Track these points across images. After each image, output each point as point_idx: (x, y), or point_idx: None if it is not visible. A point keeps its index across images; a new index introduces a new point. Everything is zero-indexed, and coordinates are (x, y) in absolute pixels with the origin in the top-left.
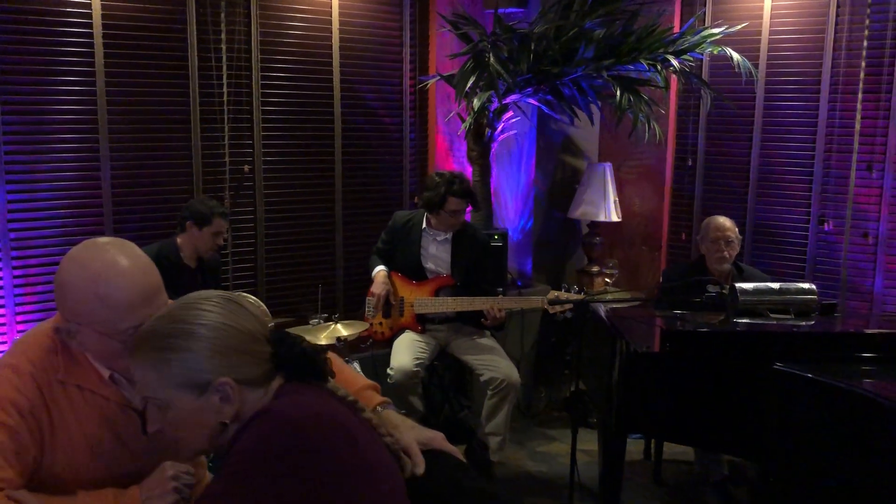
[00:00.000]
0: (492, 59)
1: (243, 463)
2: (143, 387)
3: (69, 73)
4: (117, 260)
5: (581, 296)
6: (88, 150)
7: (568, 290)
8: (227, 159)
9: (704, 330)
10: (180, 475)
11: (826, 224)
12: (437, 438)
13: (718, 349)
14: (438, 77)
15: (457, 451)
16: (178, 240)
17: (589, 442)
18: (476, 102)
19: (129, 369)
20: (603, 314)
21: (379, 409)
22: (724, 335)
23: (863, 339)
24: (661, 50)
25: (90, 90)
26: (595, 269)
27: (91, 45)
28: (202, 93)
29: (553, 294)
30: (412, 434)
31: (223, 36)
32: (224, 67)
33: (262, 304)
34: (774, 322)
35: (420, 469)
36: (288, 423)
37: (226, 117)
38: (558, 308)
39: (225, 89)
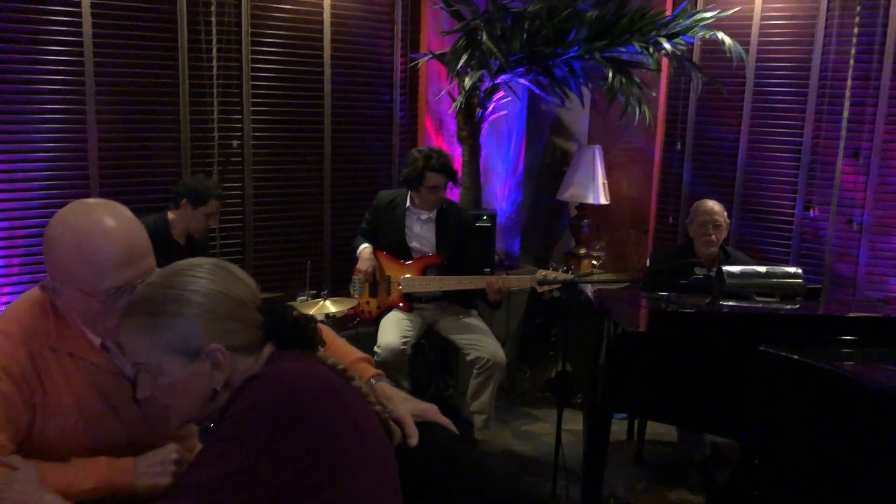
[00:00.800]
0: (484, 37)
1: (239, 425)
2: (133, 353)
3: (56, 44)
4: (103, 219)
5: (570, 275)
6: (75, 122)
7: (556, 270)
8: (216, 134)
9: (691, 311)
10: (183, 461)
11: (812, 210)
12: (431, 410)
13: (705, 330)
14: (430, 55)
15: (450, 423)
16: (170, 215)
17: (572, 422)
18: (467, 81)
19: (113, 332)
20: (590, 295)
21: (372, 381)
22: (710, 316)
23: (846, 323)
24: (654, 33)
25: (78, 61)
26: (582, 251)
27: (79, 16)
28: (191, 66)
29: (542, 273)
30: (406, 406)
31: (213, 9)
32: (214, 42)
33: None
34: (760, 305)
35: (414, 440)
36: (280, 385)
37: (215, 91)
38: (546, 288)
39: (214, 63)
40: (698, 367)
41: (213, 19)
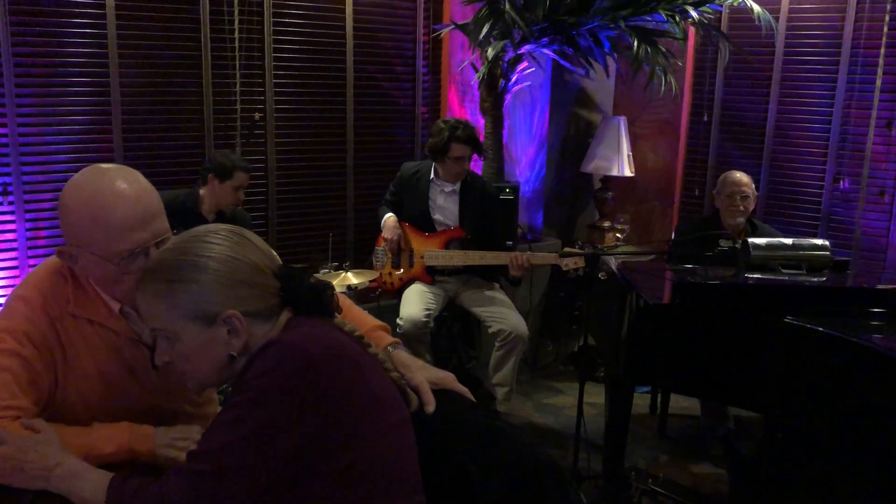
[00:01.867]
0: (507, 6)
1: (255, 389)
2: (151, 318)
3: (79, 16)
4: (115, 182)
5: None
6: (99, 95)
7: (582, 248)
8: (238, 106)
9: (715, 283)
10: None
11: (842, 182)
12: (448, 378)
13: (729, 302)
14: (453, 26)
15: (467, 391)
16: (201, 191)
17: (594, 395)
18: (490, 52)
19: (128, 296)
20: (614, 268)
21: (389, 349)
22: (734, 288)
23: (873, 295)
24: (680, 1)
25: (101, 34)
26: (606, 224)
27: None
28: (213, 38)
29: (566, 250)
30: (423, 374)
31: None
32: (236, 13)
33: None
34: (786, 277)
35: (431, 407)
36: (298, 351)
37: (237, 63)
38: (571, 265)
39: (237, 35)
40: (722, 340)
41: None
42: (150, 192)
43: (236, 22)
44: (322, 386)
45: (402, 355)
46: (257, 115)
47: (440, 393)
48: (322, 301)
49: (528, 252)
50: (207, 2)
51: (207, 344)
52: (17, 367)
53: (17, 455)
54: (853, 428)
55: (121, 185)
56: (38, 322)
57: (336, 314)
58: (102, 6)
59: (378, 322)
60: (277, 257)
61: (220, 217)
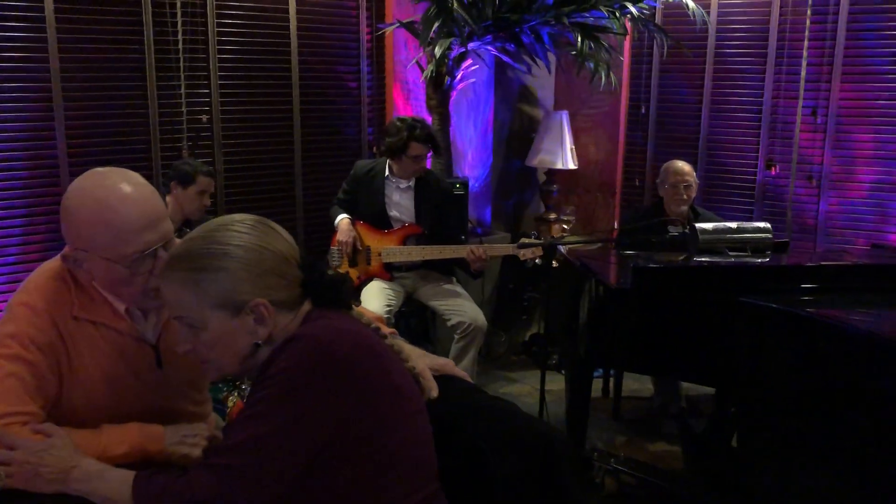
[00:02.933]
0: (455, 4)
1: (280, 384)
2: (177, 306)
3: (17, 20)
4: (121, 186)
5: (550, 241)
6: (41, 101)
7: (537, 237)
8: (184, 109)
9: (674, 266)
10: (215, 440)
11: (773, 168)
12: (448, 365)
13: (686, 284)
14: (398, 24)
15: (466, 375)
16: (166, 199)
17: (549, 383)
18: (437, 50)
19: (136, 298)
20: (567, 256)
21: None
22: (692, 270)
23: (819, 272)
24: None
25: (41, 37)
26: (552, 215)
27: None
28: (157, 41)
29: (523, 241)
30: (424, 360)
31: None
32: (179, 14)
33: None
34: (733, 259)
35: (434, 393)
36: (321, 344)
37: (182, 66)
38: (529, 255)
39: (180, 37)
40: (679, 320)
41: None
42: (154, 194)
43: (179, 24)
44: (346, 378)
45: (402, 344)
46: (205, 118)
47: (442, 378)
48: (341, 293)
49: (485, 245)
50: (150, 4)
51: (233, 332)
52: (23, 373)
53: (32, 460)
54: (808, 399)
55: (125, 187)
56: (42, 326)
57: (353, 307)
58: (41, 9)
59: (374, 314)
60: (298, 248)
61: (188, 224)
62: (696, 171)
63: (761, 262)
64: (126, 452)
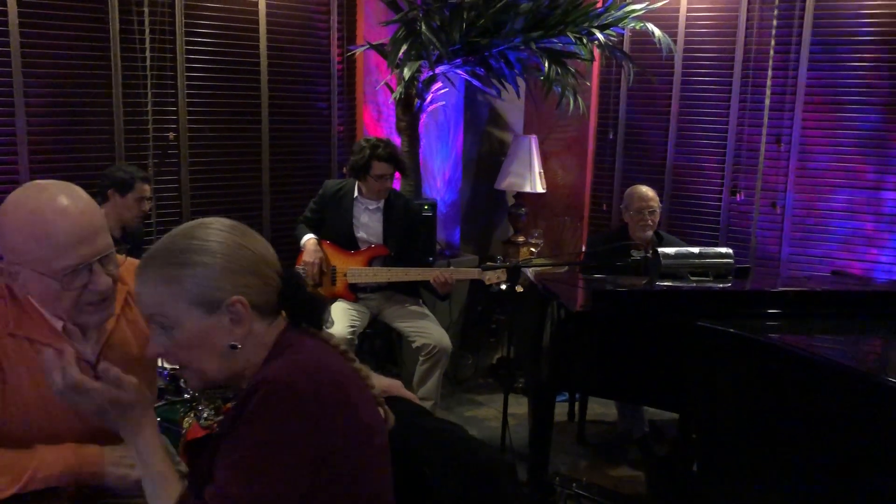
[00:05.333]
0: (423, 27)
1: (257, 435)
2: (150, 304)
3: None
4: (56, 199)
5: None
6: (2, 115)
7: (504, 261)
8: (150, 126)
9: (633, 290)
10: None
11: (738, 195)
12: (395, 385)
13: (646, 308)
14: (368, 46)
15: (414, 397)
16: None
17: (514, 406)
18: (406, 72)
19: (71, 313)
20: (533, 279)
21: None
22: (651, 294)
23: (778, 297)
24: (587, 24)
25: (3, 51)
26: (521, 239)
27: (3, 3)
28: (124, 56)
29: (488, 265)
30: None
31: None
32: (147, 31)
33: None
34: (694, 284)
35: (392, 422)
36: (291, 390)
37: (149, 83)
38: (494, 279)
39: (148, 54)
40: (640, 344)
41: (146, 8)
42: (92, 208)
43: (147, 39)
44: (318, 424)
45: (367, 370)
46: (172, 136)
47: (389, 400)
48: (315, 312)
49: (451, 268)
50: (117, 18)
51: (208, 332)
52: None
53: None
54: (766, 424)
55: (62, 200)
56: None
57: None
58: (5, 23)
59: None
60: (276, 256)
61: (124, 233)
62: (661, 197)
63: (721, 287)
64: (60, 474)
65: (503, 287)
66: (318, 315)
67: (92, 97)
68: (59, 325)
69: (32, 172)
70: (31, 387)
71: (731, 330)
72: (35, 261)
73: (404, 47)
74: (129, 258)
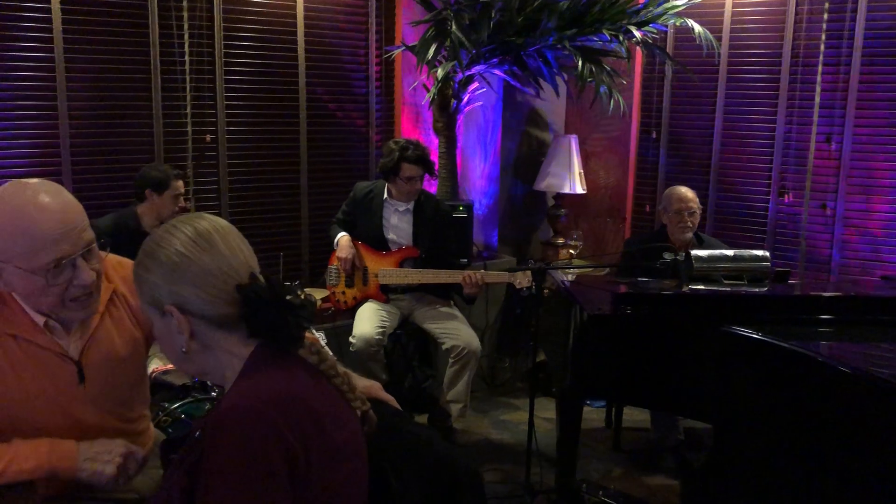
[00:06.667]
0: (454, 26)
1: (222, 468)
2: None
3: (26, 40)
4: (37, 196)
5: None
6: (47, 119)
7: (537, 263)
8: (189, 129)
9: (653, 293)
10: (131, 457)
11: (786, 196)
12: (374, 387)
13: (668, 312)
14: (403, 47)
15: (392, 400)
16: (138, 209)
17: (551, 411)
18: (440, 72)
19: (55, 309)
20: (563, 283)
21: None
22: (672, 298)
23: (810, 302)
24: (624, 21)
25: (48, 57)
26: (560, 240)
27: (48, 11)
28: (163, 60)
29: (520, 273)
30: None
31: (185, 3)
32: (186, 35)
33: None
34: (728, 288)
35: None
36: (253, 414)
37: (188, 86)
38: (525, 282)
39: (187, 57)
40: (664, 350)
41: (185, 13)
42: (73, 205)
43: (186, 43)
44: (284, 442)
45: (352, 379)
46: (209, 137)
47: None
48: (282, 331)
49: (482, 270)
50: (157, 23)
51: (164, 331)
52: None
53: None
54: (793, 436)
55: (44, 198)
56: None
57: (303, 345)
58: (49, 29)
59: (312, 336)
60: (252, 269)
61: None
62: (706, 198)
63: (747, 291)
64: (33, 468)
65: (532, 292)
66: (285, 334)
67: (132, 101)
68: (41, 320)
69: (74, 174)
70: (15, 382)
71: (755, 335)
72: (18, 257)
73: (433, 47)
74: (115, 256)
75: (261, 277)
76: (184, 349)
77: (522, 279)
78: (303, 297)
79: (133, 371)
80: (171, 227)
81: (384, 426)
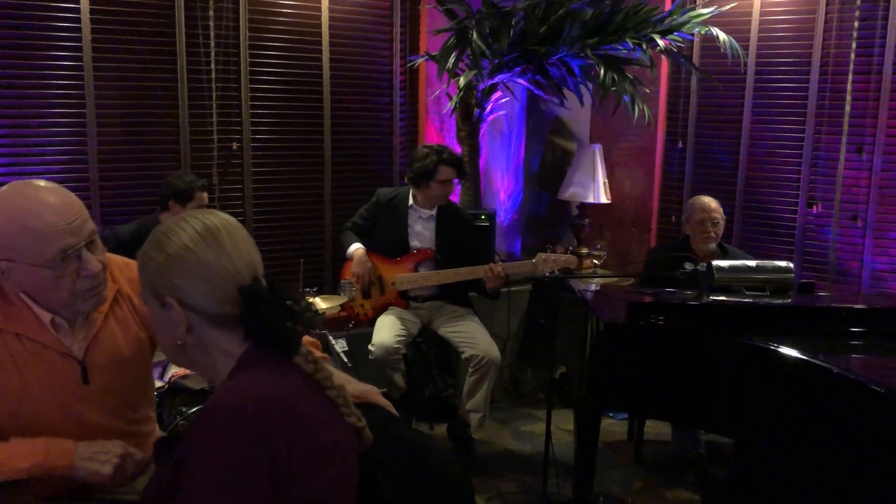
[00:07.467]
0: (475, 35)
1: (204, 468)
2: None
3: (56, 49)
4: (38, 192)
5: (569, 255)
6: (75, 126)
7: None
8: (215, 136)
9: (667, 302)
10: (129, 458)
11: (815, 207)
12: (371, 392)
13: (685, 322)
14: (427, 56)
15: (389, 405)
16: (161, 217)
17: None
18: (462, 80)
19: (64, 304)
20: (577, 291)
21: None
22: (686, 308)
23: (829, 314)
24: (648, 29)
25: (77, 65)
26: (584, 250)
27: (78, 21)
28: (190, 69)
29: (541, 256)
30: (348, 388)
31: (211, 13)
32: (212, 45)
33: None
34: (749, 300)
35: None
36: (237, 414)
37: (214, 94)
38: (547, 269)
39: (213, 66)
40: (679, 361)
41: (211, 23)
42: (72, 199)
43: (212, 53)
44: (268, 444)
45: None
46: (235, 145)
47: (362, 406)
48: (278, 335)
49: (503, 263)
50: (184, 33)
51: (161, 322)
52: None
53: None
54: (812, 449)
55: (44, 195)
56: None
57: (298, 351)
58: (79, 38)
59: (308, 339)
60: (256, 270)
61: None
62: (733, 209)
63: (766, 302)
64: (30, 467)
65: (557, 274)
66: (281, 338)
67: (159, 109)
68: (46, 317)
69: (102, 181)
70: (18, 381)
71: (771, 346)
72: (24, 253)
73: (453, 56)
74: (120, 257)
75: (263, 280)
76: (179, 342)
77: (544, 267)
78: (304, 303)
79: (137, 372)
80: (182, 220)
81: (376, 431)
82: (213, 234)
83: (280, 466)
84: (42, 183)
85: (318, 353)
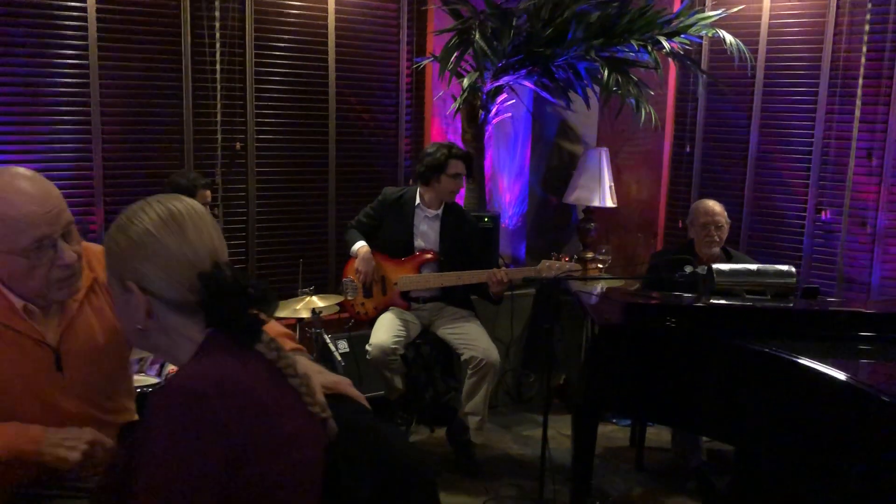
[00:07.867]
0: (477, 35)
1: (160, 450)
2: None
3: (62, 48)
4: (14, 180)
5: (574, 263)
6: (80, 125)
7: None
8: (219, 136)
9: (661, 305)
10: (98, 445)
11: (824, 213)
12: (343, 383)
13: (680, 324)
14: (432, 58)
15: (361, 397)
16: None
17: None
18: (465, 82)
19: (39, 292)
20: (575, 293)
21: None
22: (682, 310)
23: (824, 318)
24: (654, 31)
25: (83, 64)
26: (589, 254)
27: (84, 20)
28: (195, 69)
29: (545, 263)
30: (318, 378)
31: (217, 13)
32: (217, 44)
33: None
34: (749, 303)
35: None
36: (193, 396)
37: (218, 94)
38: (551, 272)
39: (218, 66)
40: (676, 364)
41: (217, 23)
42: (50, 188)
43: (217, 52)
44: (225, 427)
45: (301, 360)
46: (238, 145)
47: (332, 397)
48: (240, 325)
49: (506, 268)
50: (189, 32)
51: (123, 305)
52: None
53: None
54: (815, 458)
55: (20, 182)
56: None
57: (261, 339)
58: (85, 37)
59: (282, 330)
60: (218, 258)
61: None
62: (741, 214)
63: (763, 305)
64: None
65: (560, 275)
66: (241, 325)
67: (163, 107)
68: (19, 304)
69: (106, 178)
70: None
71: (765, 349)
72: (0, 241)
73: (455, 56)
74: (98, 246)
75: (224, 267)
76: (139, 326)
77: (548, 273)
78: (263, 290)
79: (114, 361)
80: (147, 205)
81: (342, 422)
82: (177, 220)
83: (235, 451)
84: (21, 170)
85: (291, 345)
